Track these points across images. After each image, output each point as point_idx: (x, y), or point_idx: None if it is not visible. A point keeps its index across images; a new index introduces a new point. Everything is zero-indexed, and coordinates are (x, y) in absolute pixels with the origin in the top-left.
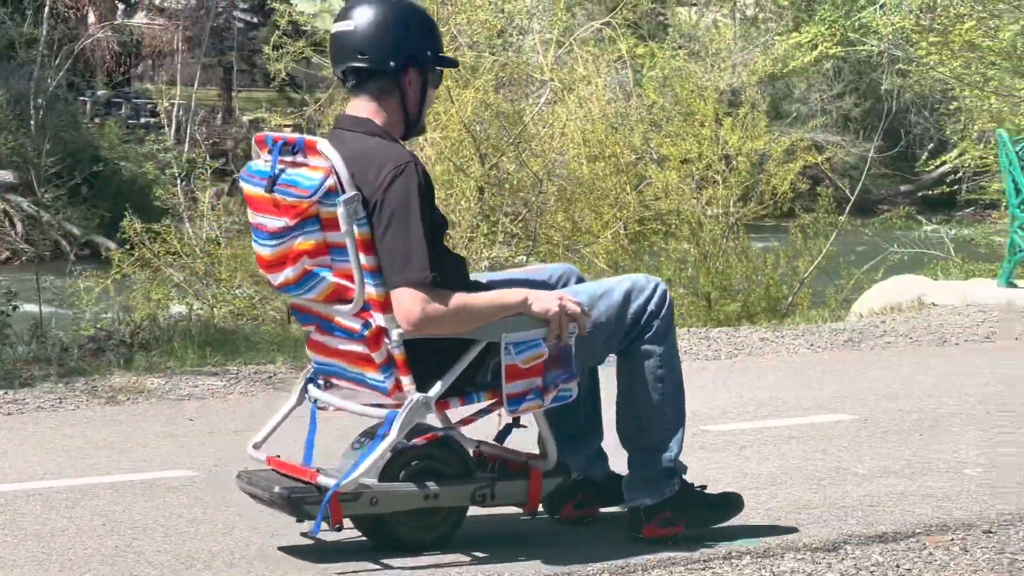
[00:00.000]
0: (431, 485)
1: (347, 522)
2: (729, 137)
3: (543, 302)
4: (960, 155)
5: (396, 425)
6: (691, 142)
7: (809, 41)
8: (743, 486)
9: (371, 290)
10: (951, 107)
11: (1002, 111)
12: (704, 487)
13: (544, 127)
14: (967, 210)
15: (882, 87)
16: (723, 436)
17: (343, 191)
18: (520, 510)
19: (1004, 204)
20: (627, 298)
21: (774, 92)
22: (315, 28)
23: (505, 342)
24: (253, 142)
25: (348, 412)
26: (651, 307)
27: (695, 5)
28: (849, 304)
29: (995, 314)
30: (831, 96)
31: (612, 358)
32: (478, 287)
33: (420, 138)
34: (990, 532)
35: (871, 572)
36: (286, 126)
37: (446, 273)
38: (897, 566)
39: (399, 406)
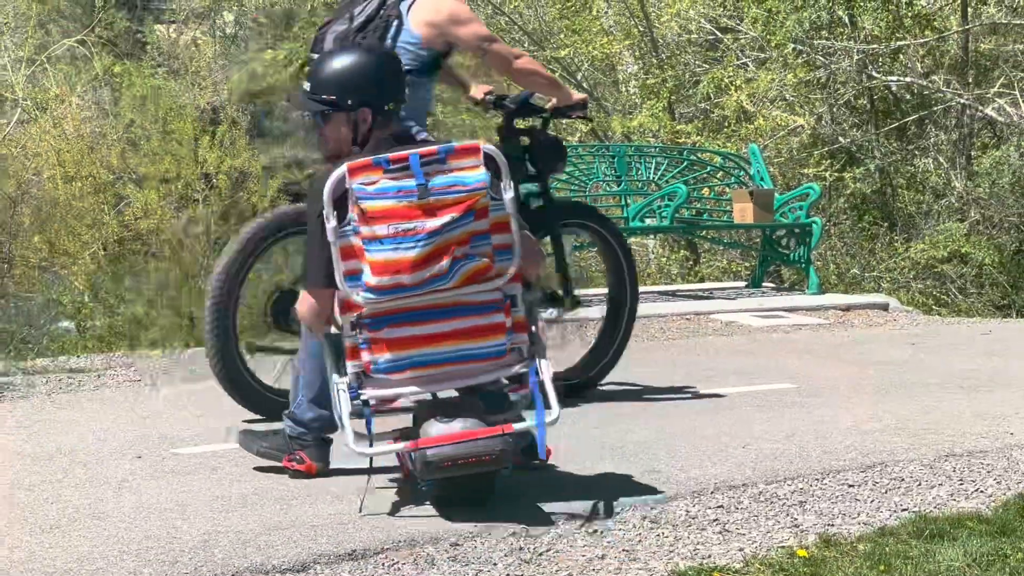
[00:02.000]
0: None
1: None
2: (208, 155)
3: None
4: None
5: (546, 369)
6: (170, 161)
7: (286, 57)
8: (215, 508)
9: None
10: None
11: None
12: None
13: (17, 147)
14: None
15: None
16: (196, 459)
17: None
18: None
19: None
20: None
21: (256, 109)
22: None
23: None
24: (348, 169)
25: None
26: None
27: (174, 23)
28: None
29: None
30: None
31: None
32: None
33: None
34: (456, 545)
35: None
36: None
37: None
38: None
39: (508, 366)
